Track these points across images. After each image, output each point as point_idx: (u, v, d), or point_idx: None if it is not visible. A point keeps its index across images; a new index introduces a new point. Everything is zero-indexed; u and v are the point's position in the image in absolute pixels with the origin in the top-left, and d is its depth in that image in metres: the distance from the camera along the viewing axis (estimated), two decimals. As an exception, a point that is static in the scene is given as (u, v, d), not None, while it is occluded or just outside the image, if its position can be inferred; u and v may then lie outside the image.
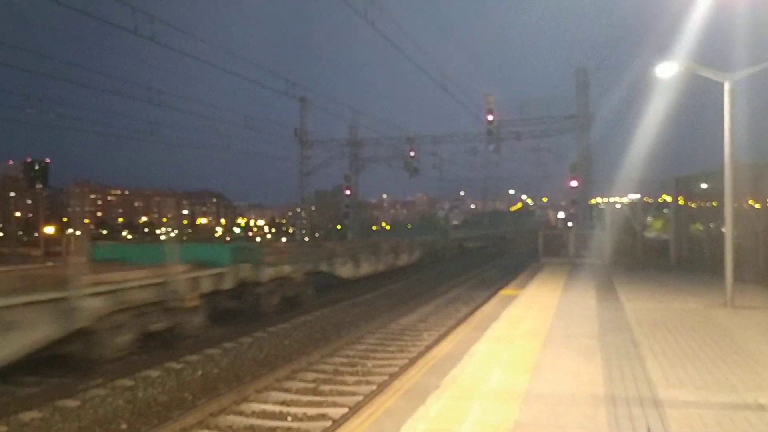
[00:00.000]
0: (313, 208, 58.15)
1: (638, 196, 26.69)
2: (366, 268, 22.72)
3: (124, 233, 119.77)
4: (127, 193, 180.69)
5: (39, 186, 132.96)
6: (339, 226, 58.15)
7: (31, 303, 8.70)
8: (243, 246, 18.94)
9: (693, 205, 22.80)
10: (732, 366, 7.65)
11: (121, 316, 10.33)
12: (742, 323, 10.83)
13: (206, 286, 12.87)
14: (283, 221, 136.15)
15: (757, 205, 16.83)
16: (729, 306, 12.49)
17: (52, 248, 27.44)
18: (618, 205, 27.01)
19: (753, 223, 16.59)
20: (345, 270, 21.24)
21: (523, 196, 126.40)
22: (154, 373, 10.32)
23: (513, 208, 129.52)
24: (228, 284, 13.71)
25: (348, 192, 49.79)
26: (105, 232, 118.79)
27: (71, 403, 8.66)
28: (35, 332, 8.73)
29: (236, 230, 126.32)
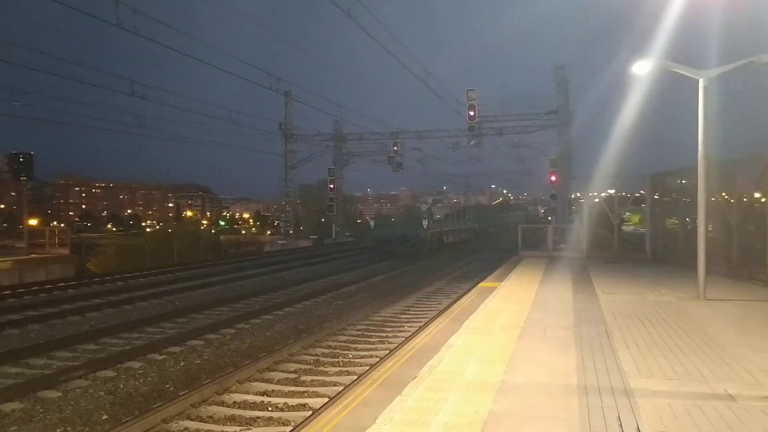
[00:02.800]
0: (298, 201, 58.05)
1: (615, 191, 27.02)
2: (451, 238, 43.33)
3: (108, 225, 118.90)
4: (112, 185, 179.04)
5: (23, 178, 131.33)
6: (323, 220, 58.10)
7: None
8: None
9: (667, 200, 23.17)
10: (702, 357, 7.84)
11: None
12: (713, 315, 11.08)
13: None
14: (268, 214, 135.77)
15: (731, 200, 17.14)
16: (702, 298, 12.75)
17: (36, 240, 27.18)
18: (597, 200, 27.29)
19: (726, 218, 16.90)
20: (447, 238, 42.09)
21: (504, 191, 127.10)
22: (135, 365, 10.39)
23: (495, 203, 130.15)
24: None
25: (332, 186, 49.84)
26: (89, 224, 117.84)
27: (52, 393, 8.72)
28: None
29: (221, 223, 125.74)
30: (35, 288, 19.92)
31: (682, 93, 13.77)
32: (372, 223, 49.62)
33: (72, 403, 8.44)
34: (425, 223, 36.88)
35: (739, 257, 16.52)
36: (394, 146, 46.86)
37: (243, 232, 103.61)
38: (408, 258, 31.88)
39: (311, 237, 52.93)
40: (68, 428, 7.55)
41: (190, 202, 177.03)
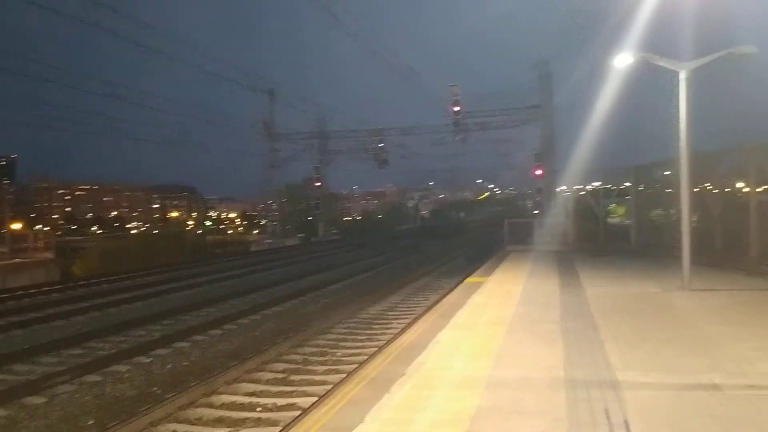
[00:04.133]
0: (284, 200, 57.95)
1: (600, 184, 27.18)
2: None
3: (93, 228, 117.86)
4: (96, 188, 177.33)
5: (6, 182, 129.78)
6: (310, 218, 58.05)
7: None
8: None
9: (651, 191, 23.36)
10: (688, 347, 7.88)
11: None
12: (698, 306, 11.17)
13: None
14: (254, 213, 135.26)
15: (714, 191, 17.30)
16: (686, 289, 12.84)
17: (19, 244, 26.94)
18: (582, 193, 27.44)
19: (709, 209, 17.06)
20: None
21: (490, 186, 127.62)
22: (122, 368, 10.31)
23: (480, 197, 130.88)
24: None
25: (318, 184, 49.81)
26: (73, 227, 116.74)
27: (38, 400, 8.62)
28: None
29: (207, 223, 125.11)
30: (19, 293, 19.72)
31: (665, 84, 13.85)
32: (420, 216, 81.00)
33: (58, 408, 8.36)
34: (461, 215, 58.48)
35: (723, 247, 16.68)
36: (378, 143, 46.90)
37: (229, 231, 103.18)
38: (446, 236, 48.67)
39: (298, 235, 52.85)
40: (54, 434, 7.47)
41: (175, 202, 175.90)
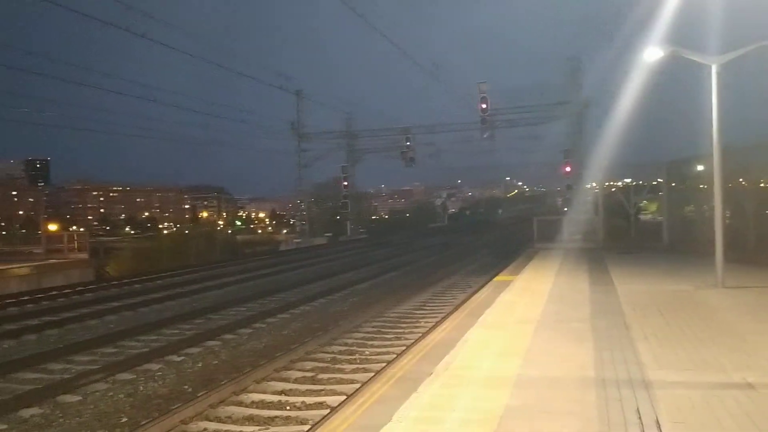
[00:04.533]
0: (312, 200, 58.26)
1: (631, 180, 26.79)
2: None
3: (126, 229, 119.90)
4: (128, 189, 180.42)
5: (40, 184, 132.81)
6: (338, 217, 58.24)
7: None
8: None
9: (684, 188, 22.96)
10: (721, 346, 7.76)
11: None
12: (731, 303, 10.96)
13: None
14: (283, 213, 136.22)
15: (747, 187, 16.93)
16: (720, 287, 12.62)
17: (54, 245, 27.52)
18: (612, 189, 27.09)
19: (744, 205, 16.70)
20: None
21: (519, 183, 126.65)
22: (154, 367, 10.45)
23: (509, 195, 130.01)
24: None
25: (345, 183, 49.94)
26: (107, 228, 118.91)
27: (71, 398, 8.77)
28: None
29: (237, 223, 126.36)
30: (53, 293, 20.13)
31: (697, 78, 13.60)
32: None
33: (91, 406, 8.49)
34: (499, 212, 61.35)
35: (757, 244, 16.32)
36: (405, 141, 46.81)
37: (259, 231, 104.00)
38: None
39: (326, 235, 53.07)
40: (88, 432, 7.60)
41: (205, 203, 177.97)
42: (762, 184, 16.60)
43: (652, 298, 11.86)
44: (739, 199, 16.95)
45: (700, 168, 20.84)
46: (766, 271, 15.01)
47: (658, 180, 24.89)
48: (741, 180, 17.36)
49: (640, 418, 5.28)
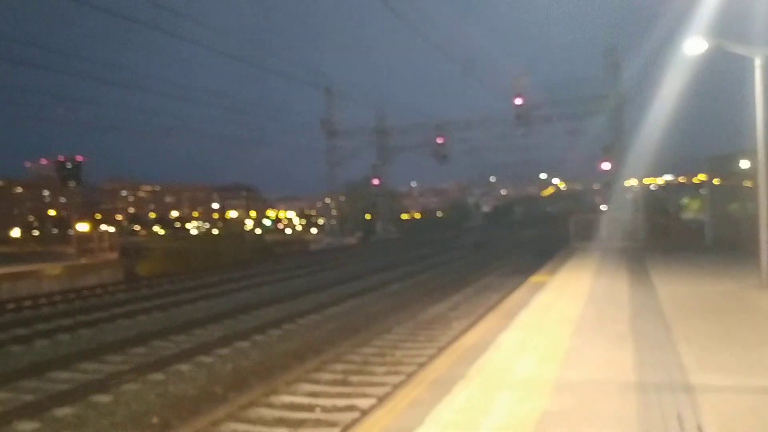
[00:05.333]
0: (342, 198, 58.27)
1: (672, 176, 26.11)
2: None
3: (155, 228, 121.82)
4: (158, 188, 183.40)
5: (72, 184, 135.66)
6: (369, 216, 58.21)
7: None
8: None
9: (728, 184, 22.28)
10: (767, 349, 7.42)
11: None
12: (779, 305, 10.54)
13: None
14: (312, 212, 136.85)
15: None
16: (765, 287, 12.18)
17: (85, 245, 27.99)
18: (652, 187, 26.45)
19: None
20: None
21: (555, 180, 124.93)
22: (184, 367, 10.44)
23: (544, 193, 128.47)
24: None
25: (376, 181, 49.79)
26: (137, 227, 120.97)
27: (104, 398, 8.80)
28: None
29: (266, 222, 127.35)
30: (85, 293, 20.41)
31: (741, 70, 13.13)
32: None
33: (123, 406, 8.51)
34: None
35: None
36: (438, 138, 46.20)
37: (288, 230, 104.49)
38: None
39: (356, 234, 53.05)
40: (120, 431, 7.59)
41: (234, 201, 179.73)
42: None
43: (694, 298, 11.50)
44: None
45: (744, 164, 20.18)
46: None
47: (700, 177, 24.23)
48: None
49: (681, 423, 5.05)
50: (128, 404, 8.59)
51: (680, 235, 24.09)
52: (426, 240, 47.13)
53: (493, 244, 40.35)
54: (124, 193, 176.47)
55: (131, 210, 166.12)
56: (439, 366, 7.39)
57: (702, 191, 24.32)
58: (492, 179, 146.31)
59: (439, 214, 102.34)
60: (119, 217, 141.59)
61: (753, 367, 6.68)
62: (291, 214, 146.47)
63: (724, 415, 5.18)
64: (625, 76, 38.75)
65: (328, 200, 52.75)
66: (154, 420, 7.98)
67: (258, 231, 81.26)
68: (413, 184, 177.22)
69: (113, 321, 15.19)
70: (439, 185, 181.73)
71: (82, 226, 38.02)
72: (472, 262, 28.09)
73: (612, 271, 16.39)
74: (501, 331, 9.14)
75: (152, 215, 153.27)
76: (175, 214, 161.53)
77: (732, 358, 7.08)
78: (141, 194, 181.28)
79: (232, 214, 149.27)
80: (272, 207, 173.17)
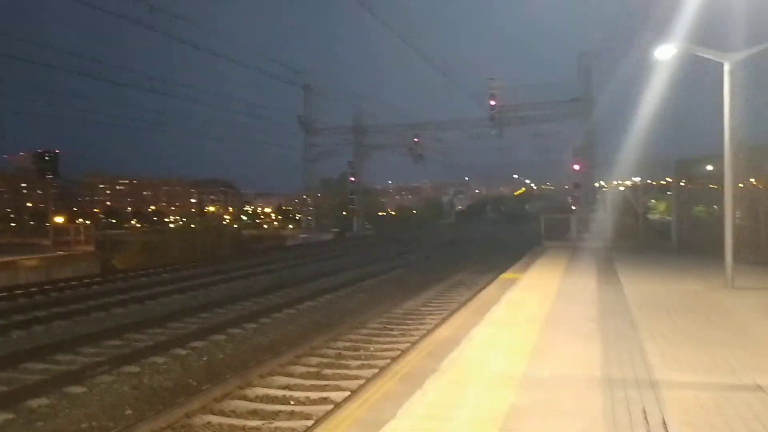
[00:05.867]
0: (319, 195, 58.30)
1: (640, 179, 26.60)
2: None
3: (133, 221, 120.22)
4: (135, 182, 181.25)
5: (49, 177, 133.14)
6: (345, 213, 58.23)
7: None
8: None
9: (693, 187, 22.81)
10: (731, 347, 7.67)
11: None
12: (742, 304, 10.87)
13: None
14: (289, 208, 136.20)
15: (759, 187, 16.78)
16: (729, 287, 12.53)
17: (62, 237, 27.69)
18: (621, 188, 26.91)
19: (755, 205, 16.57)
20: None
21: (527, 181, 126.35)
22: (159, 360, 10.47)
23: (517, 193, 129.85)
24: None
25: (353, 179, 49.91)
26: (114, 221, 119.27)
27: (78, 389, 8.81)
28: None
29: (243, 218, 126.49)
30: (61, 285, 20.21)
31: (709, 76, 13.47)
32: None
33: (97, 398, 8.53)
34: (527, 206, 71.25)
35: (768, 245, 16.20)
36: (414, 138, 46.70)
37: (265, 226, 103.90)
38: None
39: (332, 230, 53.10)
40: (93, 423, 7.61)
41: (212, 197, 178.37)
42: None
43: (660, 297, 11.79)
44: (750, 199, 16.80)
45: (709, 168, 20.69)
46: (777, 273, 14.89)
47: (667, 179, 24.73)
48: (752, 180, 17.21)
49: (646, 418, 5.22)
50: (102, 396, 8.62)
51: (648, 236, 24.58)
52: (401, 237, 47.34)
53: (466, 242, 40.69)
54: (101, 186, 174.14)
55: (108, 204, 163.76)
56: (412, 360, 7.54)
57: (669, 193, 24.79)
58: (466, 179, 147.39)
59: (414, 211, 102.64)
60: (97, 210, 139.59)
61: (716, 365, 6.89)
62: (268, 210, 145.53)
63: (687, 411, 5.36)
64: (597, 81, 39.64)
65: (305, 196, 52.63)
66: (128, 411, 8.02)
67: (235, 226, 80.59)
68: (389, 182, 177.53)
69: (88, 313, 15.10)
70: (415, 184, 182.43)
71: (59, 219, 37.54)
72: (446, 259, 28.31)
73: (581, 270, 16.68)
74: (472, 326, 9.32)
75: (129, 209, 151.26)
76: (152, 208, 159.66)
77: (695, 356, 7.30)
78: (119, 188, 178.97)
79: (210, 209, 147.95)
80: (250, 202, 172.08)
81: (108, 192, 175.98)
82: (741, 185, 16.61)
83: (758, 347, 7.66)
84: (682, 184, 23.40)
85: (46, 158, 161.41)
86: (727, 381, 6.27)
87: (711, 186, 20.43)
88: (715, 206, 19.84)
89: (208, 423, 7.39)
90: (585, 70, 40.05)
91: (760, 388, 6.00)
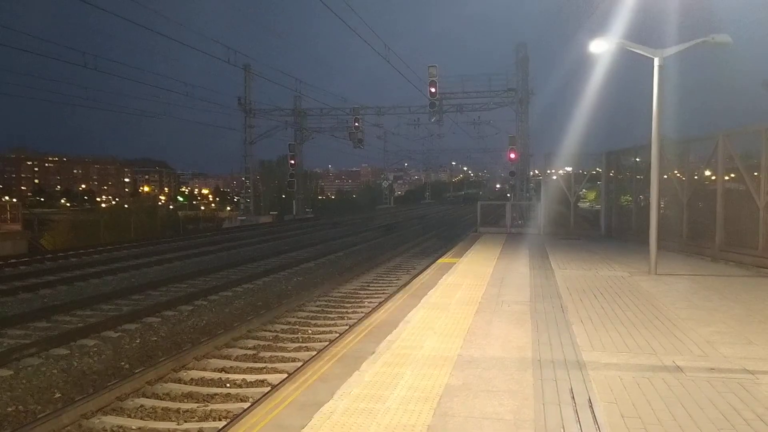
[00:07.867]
0: (258, 177, 57.53)
1: (572, 168, 27.34)
2: None
3: (62, 201, 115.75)
4: (65, 160, 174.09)
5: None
6: (284, 196, 57.72)
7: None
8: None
9: (621, 177, 23.63)
10: (653, 330, 8.03)
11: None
12: (663, 290, 11.38)
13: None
14: (227, 190, 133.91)
15: (683, 178, 17.55)
16: (653, 273, 13.10)
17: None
18: (554, 177, 27.62)
19: (678, 195, 17.33)
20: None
21: (465, 168, 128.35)
22: (89, 342, 10.22)
23: (455, 179, 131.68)
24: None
25: (292, 162, 49.47)
26: (42, 199, 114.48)
27: (4, 372, 8.52)
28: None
29: (180, 199, 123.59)
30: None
31: (642, 72, 13.97)
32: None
33: (24, 381, 8.28)
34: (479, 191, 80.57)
35: (690, 233, 16.98)
36: (354, 122, 46.72)
37: (202, 208, 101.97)
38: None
39: (271, 213, 52.59)
40: (20, 407, 7.39)
41: (147, 177, 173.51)
42: (696, 176, 17.22)
43: (588, 283, 12.22)
44: (674, 189, 17.56)
45: (637, 159, 21.49)
46: (697, 260, 15.65)
47: (597, 169, 25.53)
48: (676, 172, 17.98)
49: (573, 397, 5.44)
50: (29, 379, 8.37)
51: (578, 224, 25.37)
52: (341, 221, 47.35)
53: (404, 226, 41.07)
54: (28, 163, 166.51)
55: (36, 181, 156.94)
56: (350, 342, 7.61)
57: (598, 183, 25.60)
58: (405, 165, 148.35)
59: (353, 196, 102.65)
60: (23, 188, 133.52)
61: (638, 347, 7.22)
62: (205, 192, 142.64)
63: (612, 390, 5.61)
64: (534, 72, 40.73)
65: (243, 179, 51.83)
66: (57, 395, 7.82)
67: (171, 207, 78.70)
68: (330, 166, 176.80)
69: (14, 294, 14.55)
70: (355, 168, 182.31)
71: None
72: (384, 243, 28.52)
73: (514, 255, 17.10)
74: (409, 309, 9.47)
75: (59, 187, 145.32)
76: (83, 187, 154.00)
77: (620, 338, 7.64)
78: (47, 165, 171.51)
79: (145, 189, 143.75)
80: (187, 183, 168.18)
81: (36, 169, 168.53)
82: (666, 176, 17.35)
83: (678, 330, 8.04)
84: (611, 174, 24.21)
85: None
86: (648, 362, 6.58)
87: (637, 177, 21.21)
88: (640, 196, 20.64)
89: (141, 406, 7.29)
90: (522, 61, 40.93)
91: (678, 368, 6.33)
